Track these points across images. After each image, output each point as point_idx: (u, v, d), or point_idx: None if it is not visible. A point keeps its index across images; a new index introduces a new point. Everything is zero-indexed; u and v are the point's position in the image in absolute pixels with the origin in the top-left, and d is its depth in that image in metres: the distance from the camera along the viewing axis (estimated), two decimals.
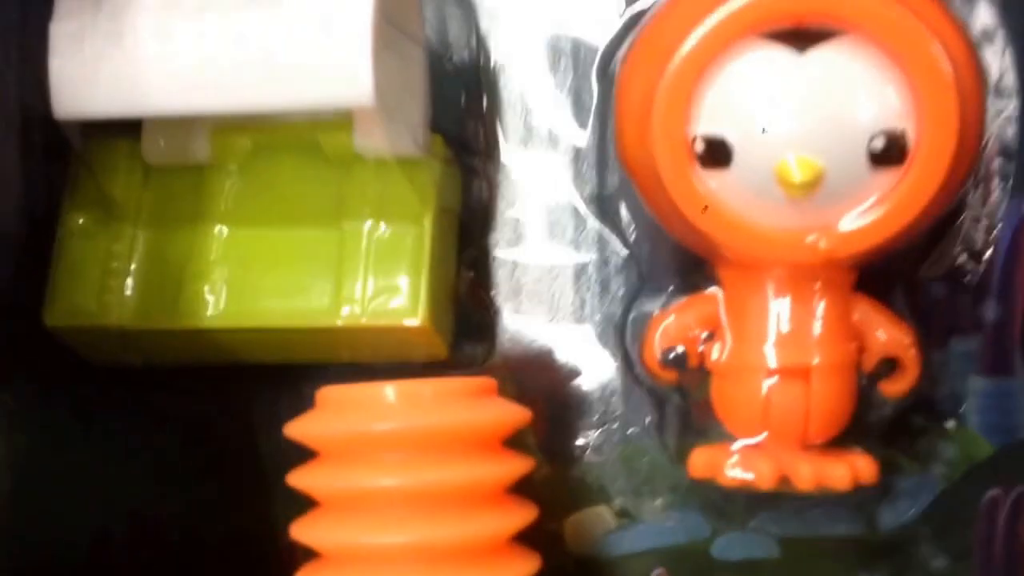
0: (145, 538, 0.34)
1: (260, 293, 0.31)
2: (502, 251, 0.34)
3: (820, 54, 0.26)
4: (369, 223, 0.31)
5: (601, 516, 0.35)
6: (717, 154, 0.27)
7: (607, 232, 0.34)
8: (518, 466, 0.29)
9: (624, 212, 0.33)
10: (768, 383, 0.28)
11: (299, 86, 0.27)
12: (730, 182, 0.27)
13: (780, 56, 0.26)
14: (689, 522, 0.34)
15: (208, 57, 0.27)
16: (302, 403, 0.30)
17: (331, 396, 0.29)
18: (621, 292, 0.33)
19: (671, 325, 0.30)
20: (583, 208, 0.34)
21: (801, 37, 0.26)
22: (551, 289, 0.34)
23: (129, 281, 0.31)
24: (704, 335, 0.30)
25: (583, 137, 0.34)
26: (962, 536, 0.33)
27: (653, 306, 0.32)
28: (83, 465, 0.34)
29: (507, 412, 0.29)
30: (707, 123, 0.27)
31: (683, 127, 0.27)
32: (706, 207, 0.27)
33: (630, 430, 0.34)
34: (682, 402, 0.32)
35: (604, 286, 0.33)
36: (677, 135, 0.27)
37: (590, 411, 0.34)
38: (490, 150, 0.34)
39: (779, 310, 0.28)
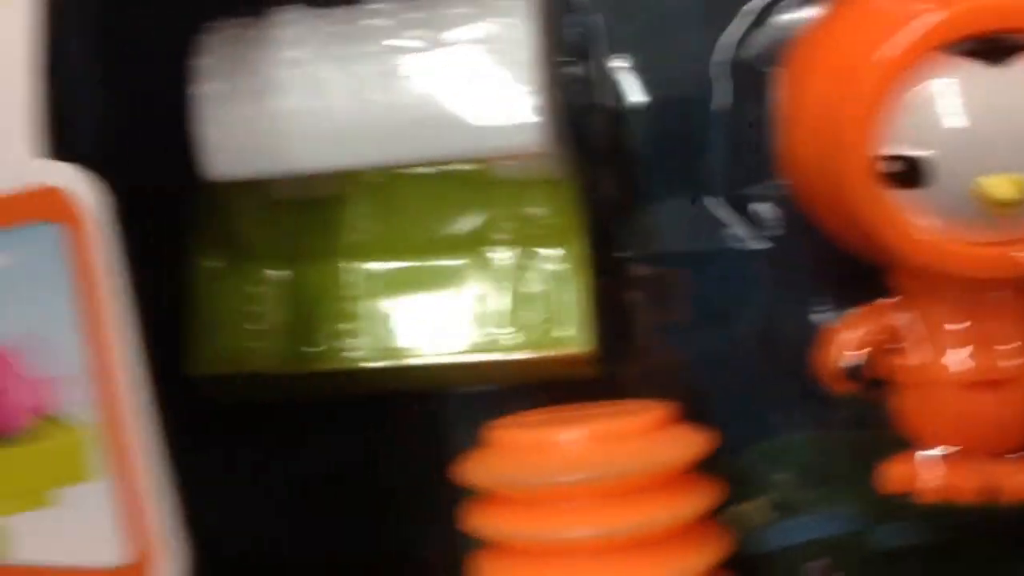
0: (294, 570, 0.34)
1: (405, 329, 0.30)
2: (639, 258, 0.33)
3: (1021, 65, 0.25)
4: (514, 246, 0.30)
5: (760, 509, 0.35)
6: (912, 173, 0.25)
7: (748, 232, 0.33)
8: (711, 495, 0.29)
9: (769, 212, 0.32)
10: (961, 394, 0.27)
11: (463, 136, 0.25)
12: (924, 200, 0.25)
13: (976, 70, 0.25)
14: (848, 512, 0.34)
15: (365, 109, 0.25)
16: (451, 426, 0.30)
17: (505, 439, 0.28)
18: (771, 295, 0.32)
19: (850, 337, 0.29)
20: (721, 209, 0.33)
21: (989, 52, 0.25)
22: (695, 294, 0.33)
23: (267, 324, 0.30)
24: (886, 346, 0.29)
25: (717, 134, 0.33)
26: None
27: (809, 311, 0.32)
28: (228, 503, 0.33)
29: (697, 445, 0.28)
30: (901, 142, 0.25)
31: (872, 145, 0.25)
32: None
33: (786, 423, 0.34)
34: (851, 409, 0.32)
35: (751, 290, 0.33)
36: (866, 154, 0.25)
37: (745, 411, 0.33)
38: (618, 150, 0.33)
39: (972, 321, 0.27)
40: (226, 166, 0.26)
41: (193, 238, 0.31)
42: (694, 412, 0.32)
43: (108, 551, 0.22)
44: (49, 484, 0.23)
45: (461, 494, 0.29)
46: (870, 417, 0.31)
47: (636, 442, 0.28)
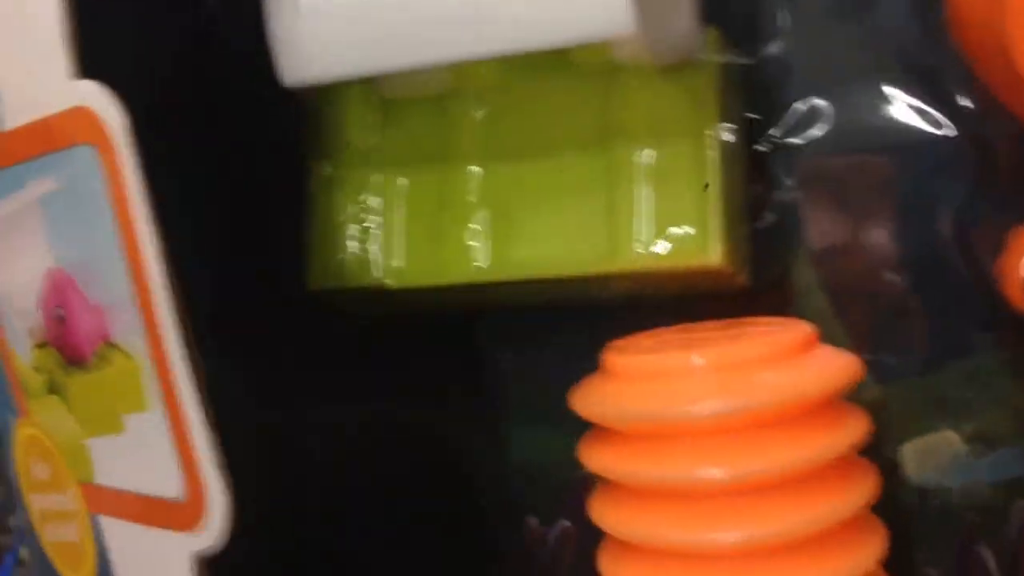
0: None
1: (527, 239, 0.28)
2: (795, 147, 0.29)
3: None
4: (643, 145, 0.27)
5: (948, 441, 0.30)
6: None
7: (929, 123, 0.27)
8: (858, 428, 0.25)
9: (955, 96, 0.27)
10: None
11: (550, 21, 0.22)
12: None
13: None
14: None
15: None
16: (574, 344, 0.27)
17: (627, 365, 0.25)
18: (947, 194, 0.27)
19: None
20: (896, 97, 0.27)
21: None
22: (859, 188, 0.28)
23: (386, 235, 0.29)
24: None
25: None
26: None
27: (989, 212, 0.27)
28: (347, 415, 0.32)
29: (842, 372, 0.24)
30: None
31: None
32: None
33: (977, 343, 0.29)
34: None
35: (924, 187, 0.28)
36: None
37: (924, 324, 0.29)
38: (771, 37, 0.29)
39: None
40: (303, 71, 0.24)
41: (308, 147, 0.29)
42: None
43: (171, 483, 0.22)
44: (120, 410, 0.23)
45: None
46: None
47: (773, 370, 0.24)
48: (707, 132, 0.26)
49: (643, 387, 0.24)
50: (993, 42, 0.22)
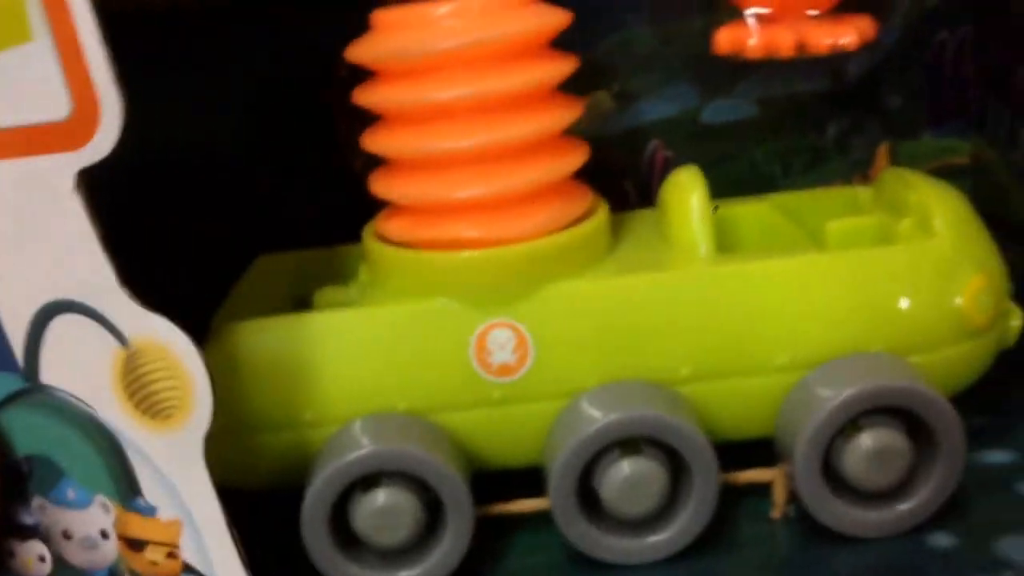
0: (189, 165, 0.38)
1: None
2: None
3: None
4: None
5: (601, 100, 0.39)
6: None
7: None
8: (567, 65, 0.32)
9: None
10: None
11: None
12: None
13: None
14: (680, 96, 0.38)
15: None
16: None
17: (390, 18, 0.31)
18: None
19: None
20: None
21: None
22: None
23: None
24: None
25: None
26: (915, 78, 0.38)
27: None
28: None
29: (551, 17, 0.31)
30: None
31: None
32: None
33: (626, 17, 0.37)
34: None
35: None
36: None
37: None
38: None
39: None
40: None
41: None
42: None
43: (56, 105, 0.25)
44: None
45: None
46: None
47: (500, 14, 0.31)
48: None
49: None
50: None
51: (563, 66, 0.32)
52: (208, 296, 0.35)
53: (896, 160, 0.39)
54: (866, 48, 0.35)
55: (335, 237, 0.36)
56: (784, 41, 0.32)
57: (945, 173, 0.39)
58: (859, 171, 0.40)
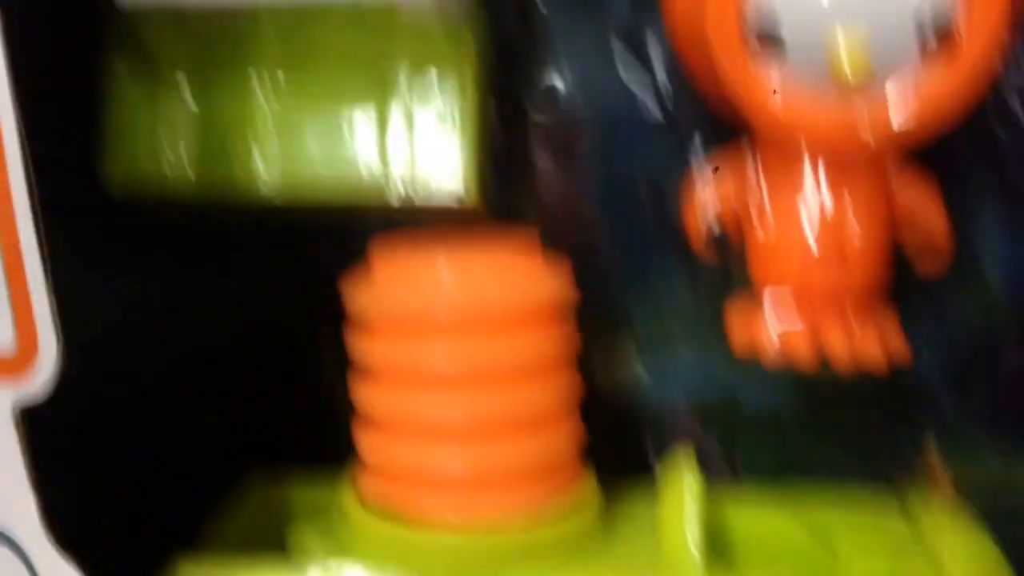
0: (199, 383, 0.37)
1: (311, 167, 0.32)
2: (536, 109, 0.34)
3: None
4: (412, 92, 0.32)
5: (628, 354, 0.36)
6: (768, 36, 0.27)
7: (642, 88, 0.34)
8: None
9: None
10: (807, 267, 0.29)
11: None
12: (782, 64, 0.27)
13: None
14: (714, 369, 0.36)
15: None
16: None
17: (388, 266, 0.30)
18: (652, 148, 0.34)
19: (710, 199, 0.30)
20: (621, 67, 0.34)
21: None
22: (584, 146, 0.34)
23: (179, 151, 0.32)
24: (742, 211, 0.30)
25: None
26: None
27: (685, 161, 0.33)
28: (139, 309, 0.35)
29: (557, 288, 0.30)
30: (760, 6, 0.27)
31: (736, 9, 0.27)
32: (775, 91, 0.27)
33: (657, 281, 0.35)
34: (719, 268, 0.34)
35: (634, 140, 0.34)
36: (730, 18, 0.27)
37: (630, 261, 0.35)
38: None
39: (820, 196, 0.29)
40: None
41: (111, 60, 0.32)
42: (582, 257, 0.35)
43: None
44: None
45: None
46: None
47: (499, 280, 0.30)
48: (469, 84, 0.31)
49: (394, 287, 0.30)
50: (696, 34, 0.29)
51: (567, 338, 0.30)
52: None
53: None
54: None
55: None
56: (804, 351, 0.30)
57: None
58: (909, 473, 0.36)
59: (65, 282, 0.25)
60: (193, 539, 0.32)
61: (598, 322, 0.32)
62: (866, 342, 0.30)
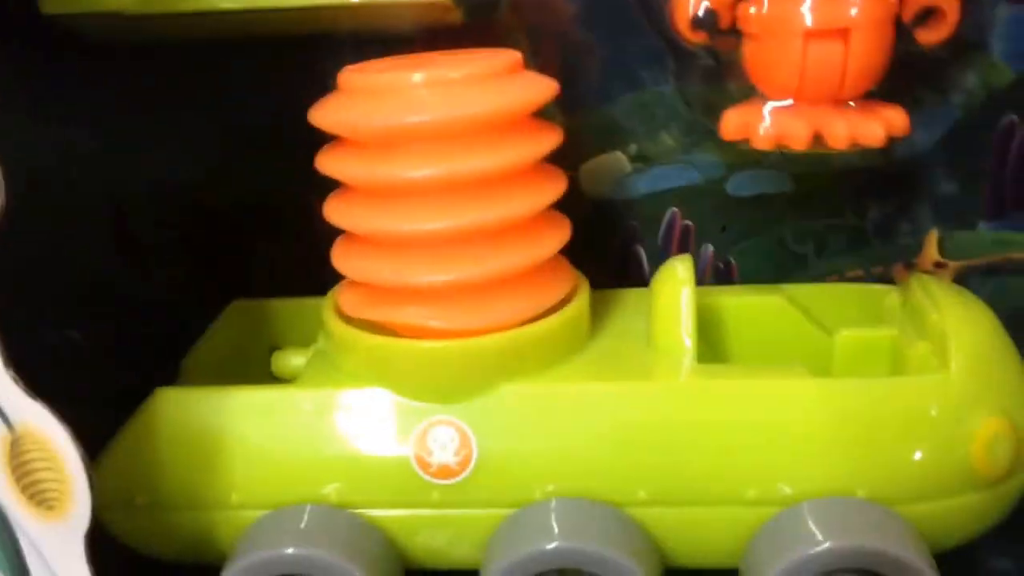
0: (165, 206, 0.36)
1: None
2: None
3: None
4: None
5: (617, 161, 0.35)
6: None
7: None
8: (550, 139, 0.29)
9: None
10: (805, 43, 0.27)
11: None
12: None
13: None
14: (704, 162, 0.34)
15: None
16: (310, 75, 0.30)
17: (357, 82, 0.28)
18: None
19: None
20: None
21: None
22: None
23: None
24: None
25: None
26: (974, 163, 0.34)
27: None
28: (99, 138, 0.34)
29: (538, 90, 0.28)
30: None
31: None
32: None
33: (645, 75, 0.34)
34: (706, 59, 0.31)
35: None
36: None
37: (603, 57, 0.33)
38: None
39: None
40: None
41: None
42: (566, 65, 0.33)
43: None
44: None
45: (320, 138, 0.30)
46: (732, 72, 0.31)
47: (477, 87, 0.28)
48: None
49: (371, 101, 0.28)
50: None
51: (544, 143, 0.29)
52: (184, 338, 0.33)
53: (947, 252, 0.35)
54: (922, 127, 0.32)
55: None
56: (797, 132, 0.28)
57: (1006, 270, 0.35)
58: (904, 259, 0.36)
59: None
60: (175, 366, 0.32)
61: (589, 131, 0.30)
62: (865, 119, 0.28)
